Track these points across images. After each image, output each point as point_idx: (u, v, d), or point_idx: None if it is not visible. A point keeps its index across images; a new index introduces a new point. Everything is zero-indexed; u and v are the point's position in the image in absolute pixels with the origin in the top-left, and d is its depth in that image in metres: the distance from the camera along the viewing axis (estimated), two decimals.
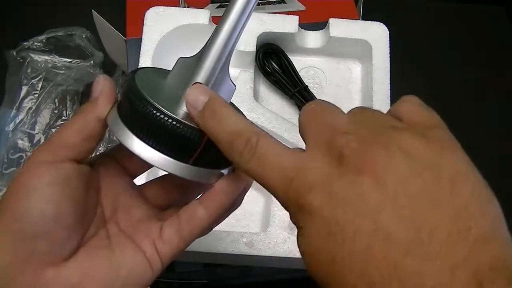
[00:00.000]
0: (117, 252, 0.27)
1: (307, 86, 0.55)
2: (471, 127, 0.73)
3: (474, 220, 0.19)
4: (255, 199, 0.51)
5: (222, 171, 0.28)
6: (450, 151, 0.21)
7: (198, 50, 0.28)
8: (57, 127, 0.68)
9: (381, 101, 0.52)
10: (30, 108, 0.68)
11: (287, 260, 0.46)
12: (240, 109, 0.30)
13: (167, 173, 0.26)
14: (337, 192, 0.20)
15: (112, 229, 0.29)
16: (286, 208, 0.22)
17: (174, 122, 0.25)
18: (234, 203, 0.29)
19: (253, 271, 0.57)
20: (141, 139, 0.26)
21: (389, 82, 0.53)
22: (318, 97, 0.54)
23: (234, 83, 0.29)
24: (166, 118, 0.25)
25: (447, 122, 0.23)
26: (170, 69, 0.29)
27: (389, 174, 0.19)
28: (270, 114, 0.52)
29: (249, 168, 0.23)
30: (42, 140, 0.67)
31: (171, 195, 0.32)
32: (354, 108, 0.25)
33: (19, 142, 0.66)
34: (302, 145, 0.24)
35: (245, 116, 0.27)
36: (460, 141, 0.22)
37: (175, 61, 0.29)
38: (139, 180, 0.32)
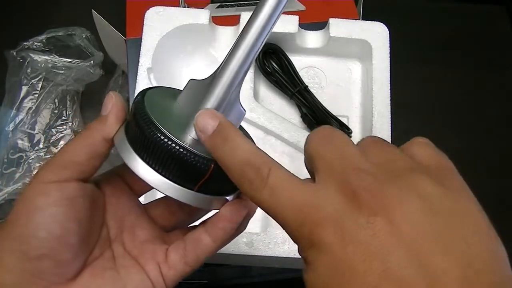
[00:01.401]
0: (122, 274, 0.27)
1: (307, 86, 0.55)
2: (471, 126, 0.73)
3: (484, 268, 0.19)
4: None
5: (227, 197, 0.28)
6: (465, 199, 0.21)
7: (209, 73, 0.27)
8: (57, 127, 0.68)
9: (381, 101, 0.52)
10: (30, 108, 0.68)
11: (287, 260, 0.46)
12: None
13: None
14: (350, 231, 0.20)
15: (118, 250, 0.29)
16: (295, 242, 0.22)
17: (181, 150, 0.25)
18: (239, 228, 0.29)
19: (253, 271, 0.56)
20: (147, 163, 0.25)
21: (389, 82, 0.53)
22: (318, 97, 0.54)
23: (244, 108, 0.28)
24: (173, 145, 0.25)
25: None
26: (181, 89, 0.29)
27: (404, 218, 0.19)
28: (270, 114, 0.52)
29: (260, 199, 0.22)
30: (42, 140, 0.67)
31: (177, 216, 0.31)
32: (366, 138, 0.24)
33: (19, 142, 0.66)
34: (303, 144, 0.24)
35: (254, 143, 0.26)
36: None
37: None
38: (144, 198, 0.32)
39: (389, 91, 0.53)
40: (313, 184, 0.22)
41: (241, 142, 0.24)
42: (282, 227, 0.22)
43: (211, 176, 0.25)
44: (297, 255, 0.50)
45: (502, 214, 0.69)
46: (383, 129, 0.51)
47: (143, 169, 0.25)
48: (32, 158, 0.65)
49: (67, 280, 0.26)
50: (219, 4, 0.63)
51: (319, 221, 0.21)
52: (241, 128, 0.30)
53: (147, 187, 0.31)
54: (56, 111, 0.68)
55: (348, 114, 0.56)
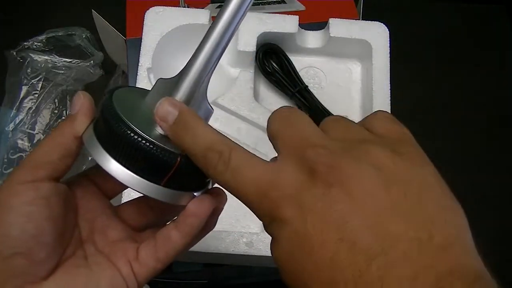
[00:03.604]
0: (95, 271, 0.28)
1: (307, 86, 0.55)
2: (470, 126, 0.73)
3: (436, 230, 0.19)
4: None
5: (195, 193, 0.28)
6: (419, 165, 0.22)
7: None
8: None
9: (381, 101, 0.52)
10: (30, 108, 0.68)
11: None
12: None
13: (142, 195, 0.27)
14: (307, 204, 0.20)
15: (89, 249, 0.29)
16: (260, 219, 0.23)
17: (148, 144, 0.25)
18: (207, 225, 0.29)
19: (253, 271, 0.57)
20: (115, 158, 0.26)
21: (389, 82, 0.53)
22: (318, 97, 0.54)
23: (212, 107, 0.29)
24: (139, 139, 0.25)
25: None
26: (150, 89, 0.29)
27: (358, 187, 0.20)
28: (270, 114, 0.52)
29: (223, 180, 0.23)
30: None
31: (147, 217, 0.32)
32: (328, 117, 0.25)
33: (19, 142, 0.66)
34: None
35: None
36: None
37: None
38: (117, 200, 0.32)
39: (389, 91, 0.53)
40: (273, 162, 0.23)
41: (203, 129, 0.24)
42: (247, 206, 0.23)
43: (178, 171, 0.26)
44: None
45: (503, 213, 0.69)
46: None
47: (110, 164, 0.26)
48: None
49: (41, 278, 0.26)
50: (219, 4, 0.63)
51: (278, 197, 0.21)
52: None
53: (117, 189, 0.32)
54: (56, 111, 0.68)
55: (348, 114, 0.56)
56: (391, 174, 0.21)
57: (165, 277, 0.53)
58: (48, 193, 0.26)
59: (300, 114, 0.24)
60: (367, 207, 0.20)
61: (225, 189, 0.24)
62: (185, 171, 0.26)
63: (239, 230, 0.47)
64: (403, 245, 0.19)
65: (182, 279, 0.54)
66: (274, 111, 0.25)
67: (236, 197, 0.23)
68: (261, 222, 0.23)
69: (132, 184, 0.26)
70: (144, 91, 0.29)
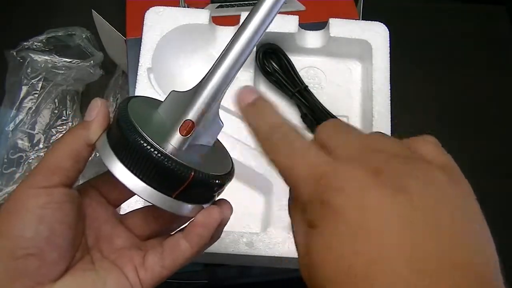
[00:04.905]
0: (102, 275, 0.28)
1: (307, 86, 0.55)
2: (470, 126, 0.73)
3: (477, 258, 0.20)
4: (255, 199, 0.51)
5: (204, 205, 0.28)
6: (467, 194, 0.23)
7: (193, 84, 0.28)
8: (57, 127, 0.68)
9: (381, 101, 0.52)
10: (30, 108, 0.68)
11: (287, 260, 0.46)
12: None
13: (148, 204, 0.27)
14: (371, 201, 0.21)
15: (96, 256, 0.29)
16: (304, 203, 0.23)
17: (163, 157, 0.25)
18: (214, 235, 0.30)
19: (253, 271, 0.57)
20: (128, 167, 0.26)
21: (389, 82, 0.53)
22: (318, 97, 0.54)
23: (222, 121, 0.29)
24: (156, 152, 0.25)
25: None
26: (162, 100, 0.29)
27: (424, 200, 0.20)
28: None
29: (280, 159, 0.24)
30: (42, 140, 0.67)
31: (152, 226, 0.32)
32: (374, 133, 0.26)
33: (19, 142, 0.66)
34: None
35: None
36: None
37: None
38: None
39: (389, 91, 0.53)
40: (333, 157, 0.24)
41: (276, 113, 0.26)
42: (292, 187, 0.24)
43: (191, 184, 0.26)
44: (297, 255, 0.50)
45: (503, 214, 0.69)
46: (383, 129, 0.51)
47: (123, 173, 0.26)
48: (32, 158, 0.65)
49: (50, 280, 0.26)
50: (219, 4, 0.63)
51: (337, 185, 0.22)
52: (218, 141, 0.31)
53: (123, 198, 0.32)
54: (56, 111, 0.68)
55: (348, 114, 0.56)
56: (450, 198, 0.21)
57: None
58: (61, 199, 0.27)
59: (349, 124, 0.26)
60: (426, 224, 0.20)
61: (278, 168, 0.24)
62: (197, 185, 0.26)
63: (239, 230, 0.47)
64: (432, 268, 0.19)
65: (182, 279, 0.54)
66: (324, 122, 0.26)
67: (285, 176, 0.24)
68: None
69: (144, 194, 0.26)
70: (157, 102, 0.30)
